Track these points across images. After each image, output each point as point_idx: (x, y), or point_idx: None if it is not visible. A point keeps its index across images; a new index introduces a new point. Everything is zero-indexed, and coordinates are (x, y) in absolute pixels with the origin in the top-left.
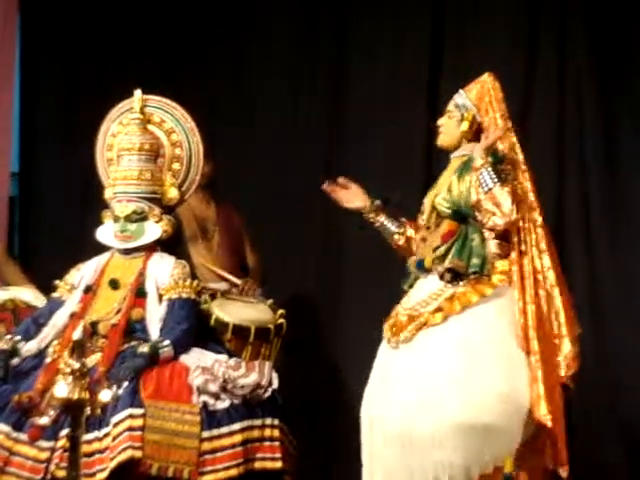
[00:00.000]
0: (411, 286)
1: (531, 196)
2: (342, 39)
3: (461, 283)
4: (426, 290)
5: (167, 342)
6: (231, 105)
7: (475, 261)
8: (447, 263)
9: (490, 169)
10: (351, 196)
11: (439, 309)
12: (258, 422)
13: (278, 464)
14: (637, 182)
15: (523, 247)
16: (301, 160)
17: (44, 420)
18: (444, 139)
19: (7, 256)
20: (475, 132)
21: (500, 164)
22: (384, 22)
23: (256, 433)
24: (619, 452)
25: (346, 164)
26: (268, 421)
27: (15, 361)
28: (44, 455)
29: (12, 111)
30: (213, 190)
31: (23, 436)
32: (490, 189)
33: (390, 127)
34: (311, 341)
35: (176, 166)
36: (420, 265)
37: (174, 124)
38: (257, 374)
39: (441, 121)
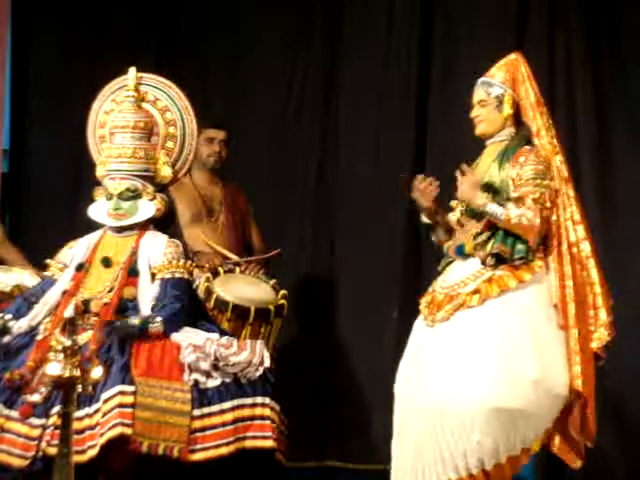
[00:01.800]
0: (448, 264)
1: (564, 170)
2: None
3: (501, 267)
4: (465, 271)
5: (159, 318)
6: (226, 83)
7: (520, 247)
8: (491, 248)
9: (492, 204)
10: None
11: (477, 291)
12: (249, 401)
13: (269, 443)
14: (628, 147)
15: (560, 224)
16: (296, 137)
17: (35, 397)
18: (486, 128)
19: (3, 234)
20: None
21: (496, 193)
22: None
23: (247, 412)
24: (619, 451)
25: (341, 139)
26: (259, 400)
27: (6, 339)
28: (35, 432)
29: (3, 88)
30: (221, 171)
31: (14, 413)
32: (507, 219)
33: (384, 93)
34: (308, 320)
35: (170, 145)
36: (460, 251)
37: (168, 102)
38: (249, 352)
39: (475, 112)
